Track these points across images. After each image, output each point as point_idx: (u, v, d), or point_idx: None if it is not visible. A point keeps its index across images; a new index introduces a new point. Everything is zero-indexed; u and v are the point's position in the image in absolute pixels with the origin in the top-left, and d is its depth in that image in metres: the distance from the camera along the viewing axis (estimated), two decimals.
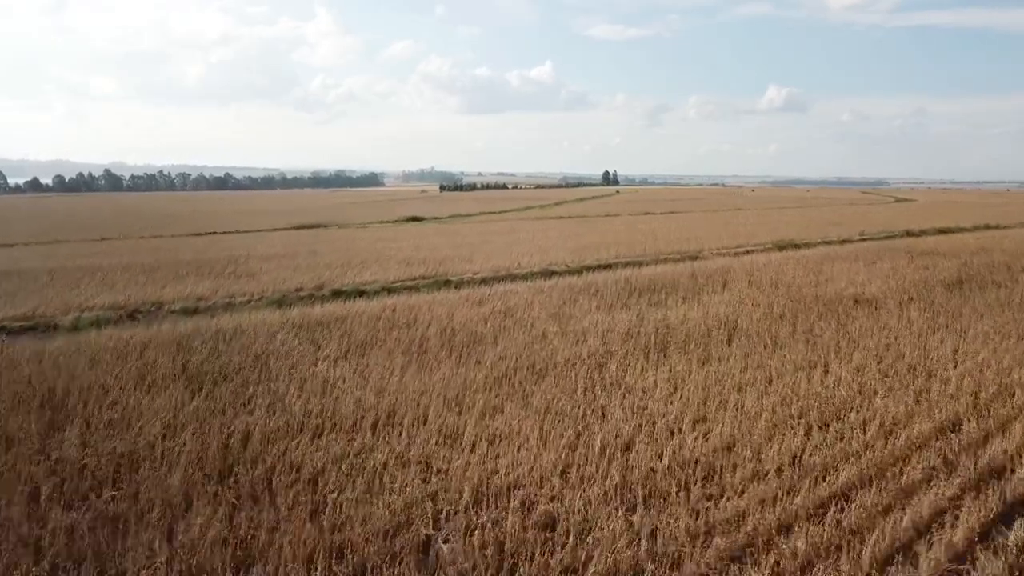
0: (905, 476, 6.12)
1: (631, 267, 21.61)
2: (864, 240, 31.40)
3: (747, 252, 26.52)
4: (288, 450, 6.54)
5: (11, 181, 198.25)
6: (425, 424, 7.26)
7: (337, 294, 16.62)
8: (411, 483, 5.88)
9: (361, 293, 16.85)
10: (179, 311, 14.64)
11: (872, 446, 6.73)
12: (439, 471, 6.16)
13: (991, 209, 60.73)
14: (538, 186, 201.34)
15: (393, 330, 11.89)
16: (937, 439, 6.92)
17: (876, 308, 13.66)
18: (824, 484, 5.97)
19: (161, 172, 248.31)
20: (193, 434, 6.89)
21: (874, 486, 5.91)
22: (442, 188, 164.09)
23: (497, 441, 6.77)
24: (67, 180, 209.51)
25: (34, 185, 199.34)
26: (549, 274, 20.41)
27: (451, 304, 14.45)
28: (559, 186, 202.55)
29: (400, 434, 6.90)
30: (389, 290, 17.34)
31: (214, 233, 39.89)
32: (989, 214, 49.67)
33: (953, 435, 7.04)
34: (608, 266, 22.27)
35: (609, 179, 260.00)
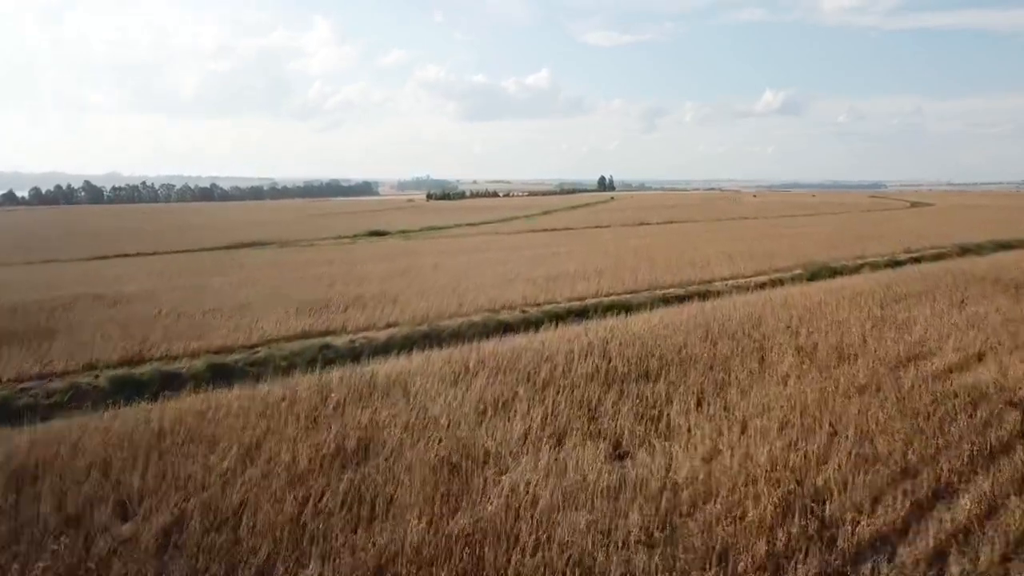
0: None
1: (615, 312, 15.16)
2: (915, 260, 24.92)
3: (772, 282, 20.02)
4: None
5: None
6: None
7: (122, 385, 10.03)
8: None
9: (168, 380, 10.28)
10: None
11: None
12: None
13: None
14: (531, 193, 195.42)
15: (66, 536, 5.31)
16: None
17: None
18: None
19: (144, 183, 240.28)
20: None
21: None
22: (429, 197, 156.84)
23: None
24: (44, 192, 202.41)
25: (10, 198, 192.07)
26: (493, 328, 13.92)
27: (270, 422, 7.89)
28: (553, 193, 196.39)
29: None
30: (220, 371, 10.78)
31: (124, 256, 33.35)
32: None
33: None
34: (583, 311, 15.77)
35: (605, 184, 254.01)
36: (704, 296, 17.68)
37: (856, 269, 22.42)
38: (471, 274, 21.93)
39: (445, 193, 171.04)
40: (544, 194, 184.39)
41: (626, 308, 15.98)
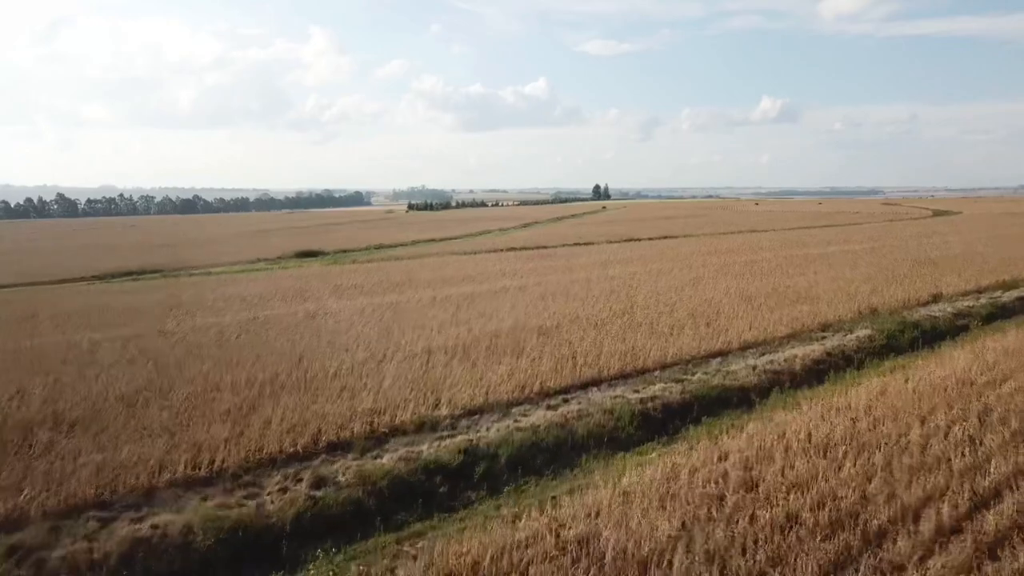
0: None
1: (536, 465, 6.90)
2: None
3: (831, 357, 11.72)
4: None
5: None
6: None
7: None
8: None
9: None
10: None
11: None
12: None
13: None
14: (522, 203, 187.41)
15: None
16: None
17: None
18: None
19: (121, 196, 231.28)
20: None
21: None
22: (410, 207, 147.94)
23: None
24: (13, 206, 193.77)
25: None
26: (200, 559, 5.57)
27: None
28: (544, 202, 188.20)
29: None
30: None
31: None
32: None
33: None
34: (470, 463, 7.43)
35: (600, 193, 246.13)
36: (721, 403, 9.39)
37: (954, 323, 14.10)
38: (341, 338, 13.63)
39: (427, 204, 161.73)
40: (536, 203, 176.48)
41: (558, 450, 7.70)
